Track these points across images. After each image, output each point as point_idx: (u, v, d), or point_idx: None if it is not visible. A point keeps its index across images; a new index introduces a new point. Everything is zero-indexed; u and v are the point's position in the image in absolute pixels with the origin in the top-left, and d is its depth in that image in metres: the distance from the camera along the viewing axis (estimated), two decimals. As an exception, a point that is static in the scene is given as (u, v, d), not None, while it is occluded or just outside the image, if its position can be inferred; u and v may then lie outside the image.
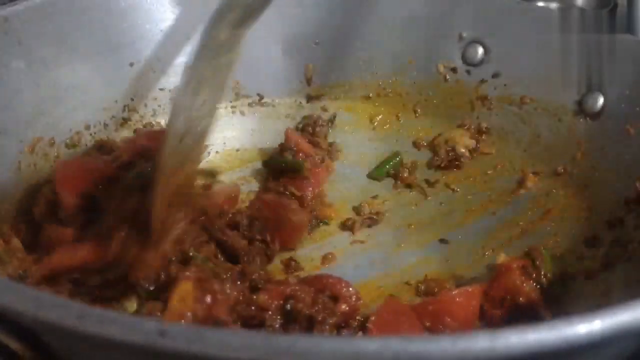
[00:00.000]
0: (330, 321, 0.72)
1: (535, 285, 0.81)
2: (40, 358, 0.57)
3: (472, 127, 1.08)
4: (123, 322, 0.42)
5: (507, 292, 0.80)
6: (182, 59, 1.07)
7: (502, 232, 0.94)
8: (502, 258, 0.86)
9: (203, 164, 1.08)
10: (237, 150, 1.11)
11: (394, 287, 0.87)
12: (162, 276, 0.72)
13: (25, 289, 0.47)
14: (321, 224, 0.97)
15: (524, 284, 0.80)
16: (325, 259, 0.91)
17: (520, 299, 0.79)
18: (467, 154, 1.06)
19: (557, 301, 0.80)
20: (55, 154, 0.92)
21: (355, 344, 0.40)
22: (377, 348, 0.40)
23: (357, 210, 1.00)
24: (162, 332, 0.41)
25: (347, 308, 0.75)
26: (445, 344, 0.40)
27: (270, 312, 0.70)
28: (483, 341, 0.41)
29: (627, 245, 0.81)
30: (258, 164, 1.09)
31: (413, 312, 0.77)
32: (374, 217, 0.98)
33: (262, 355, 0.40)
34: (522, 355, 0.41)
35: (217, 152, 1.11)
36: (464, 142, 1.07)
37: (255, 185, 1.05)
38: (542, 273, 0.83)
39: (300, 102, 1.16)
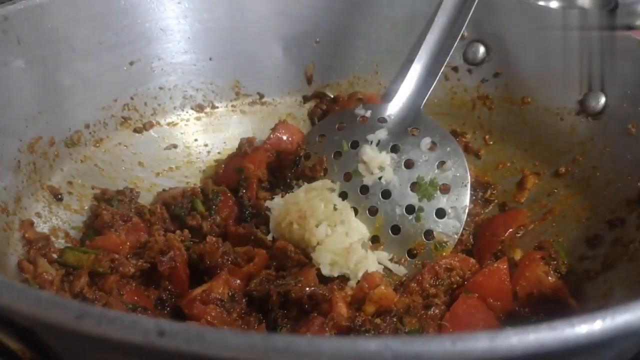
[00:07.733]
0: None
1: (557, 274, 0.83)
2: (39, 358, 0.57)
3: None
4: (122, 322, 0.41)
5: (532, 286, 0.82)
6: (182, 58, 1.07)
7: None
8: (519, 254, 0.88)
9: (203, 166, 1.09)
10: (238, 149, 1.11)
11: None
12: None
13: (25, 289, 0.47)
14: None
15: (548, 276, 0.82)
16: None
17: (547, 291, 0.80)
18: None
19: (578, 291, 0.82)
20: (55, 153, 0.92)
21: (355, 344, 0.40)
22: (377, 348, 0.40)
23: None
24: (161, 332, 0.40)
25: None
26: (445, 344, 0.40)
27: None
28: (483, 341, 0.40)
29: (628, 245, 0.81)
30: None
31: (487, 307, 0.80)
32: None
33: (262, 356, 0.40)
34: (522, 356, 0.41)
35: (218, 152, 1.11)
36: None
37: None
38: (561, 260, 0.85)
39: (301, 101, 1.15)
